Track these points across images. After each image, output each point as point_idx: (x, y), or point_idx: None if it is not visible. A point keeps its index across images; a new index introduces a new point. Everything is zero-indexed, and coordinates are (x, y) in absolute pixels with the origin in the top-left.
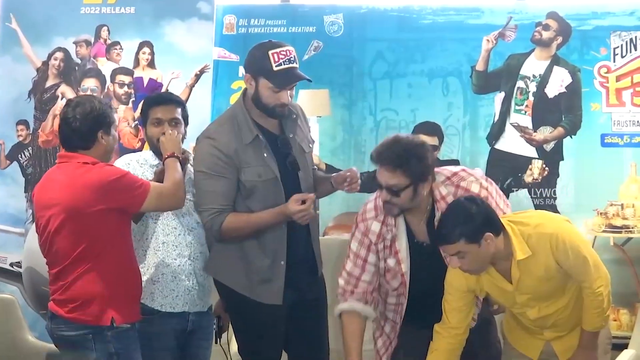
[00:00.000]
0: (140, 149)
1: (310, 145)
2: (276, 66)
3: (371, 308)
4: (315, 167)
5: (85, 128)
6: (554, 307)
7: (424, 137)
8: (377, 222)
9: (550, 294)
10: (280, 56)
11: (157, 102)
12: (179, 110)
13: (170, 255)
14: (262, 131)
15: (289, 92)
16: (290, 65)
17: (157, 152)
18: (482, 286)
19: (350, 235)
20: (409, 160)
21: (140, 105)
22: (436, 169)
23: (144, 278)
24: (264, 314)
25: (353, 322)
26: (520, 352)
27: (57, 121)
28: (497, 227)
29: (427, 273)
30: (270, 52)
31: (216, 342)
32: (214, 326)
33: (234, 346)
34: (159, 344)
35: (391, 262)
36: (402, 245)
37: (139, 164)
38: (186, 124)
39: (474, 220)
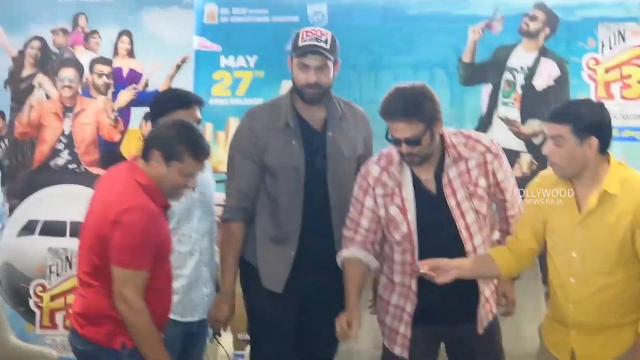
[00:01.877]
0: (120, 142)
1: (356, 151)
2: (302, 42)
3: (373, 257)
4: None
5: (147, 137)
6: (597, 280)
7: None
8: (377, 167)
9: (601, 257)
10: (309, 34)
11: (182, 105)
12: (200, 109)
13: (188, 265)
14: (301, 123)
15: (317, 74)
16: (315, 42)
17: None
18: (545, 206)
19: (354, 184)
20: (421, 104)
21: (151, 102)
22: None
23: None
24: (270, 300)
25: (355, 270)
26: (553, 355)
27: (34, 112)
28: (605, 142)
29: (432, 226)
30: (302, 31)
31: (211, 342)
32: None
33: (220, 350)
34: (169, 349)
35: (393, 210)
36: (409, 193)
37: None
38: None
39: (590, 118)
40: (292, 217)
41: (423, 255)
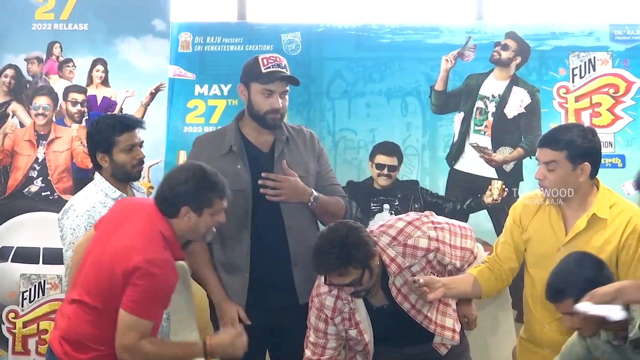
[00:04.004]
0: (94, 169)
1: (309, 171)
2: (265, 69)
3: None
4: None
5: (167, 195)
6: None
7: (382, 158)
8: (331, 297)
9: None
10: (270, 60)
11: (126, 127)
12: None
13: None
14: (247, 146)
15: (280, 100)
16: (279, 69)
17: (122, 177)
18: (529, 226)
19: (309, 308)
20: (350, 254)
21: (91, 130)
22: (381, 229)
23: None
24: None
25: None
26: None
27: (7, 140)
28: (596, 167)
29: (392, 331)
30: (260, 58)
31: None
32: None
33: None
34: None
35: (352, 332)
36: (362, 315)
37: (102, 205)
38: None
39: (584, 144)
40: (241, 241)
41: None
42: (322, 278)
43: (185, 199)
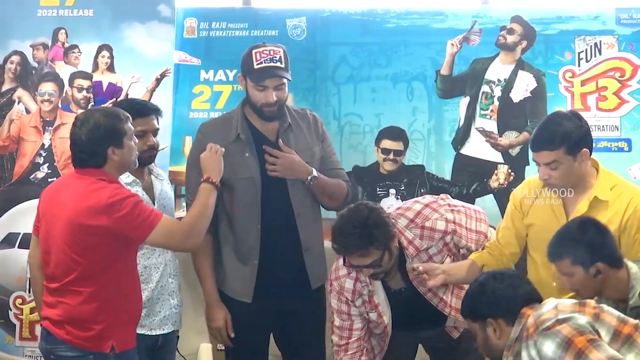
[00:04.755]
0: None
1: (314, 156)
2: (257, 64)
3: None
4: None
5: (95, 147)
6: None
7: (388, 142)
8: (350, 280)
9: None
10: (263, 55)
11: (138, 113)
12: (158, 119)
13: (153, 279)
14: (254, 133)
15: (275, 93)
16: (271, 64)
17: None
18: (530, 211)
19: (329, 292)
20: (372, 235)
21: None
22: (398, 212)
23: None
24: (241, 310)
25: None
26: None
27: (13, 126)
28: (591, 147)
29: (409, 315)
30: (254, 51)
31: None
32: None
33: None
34: None
35: (373, 315)
36: (381, 297)
37: None
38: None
39: (577, 133)
40: (251, 228)
41: (405, 330)
42: (340, 261)
43: (106, 141)
